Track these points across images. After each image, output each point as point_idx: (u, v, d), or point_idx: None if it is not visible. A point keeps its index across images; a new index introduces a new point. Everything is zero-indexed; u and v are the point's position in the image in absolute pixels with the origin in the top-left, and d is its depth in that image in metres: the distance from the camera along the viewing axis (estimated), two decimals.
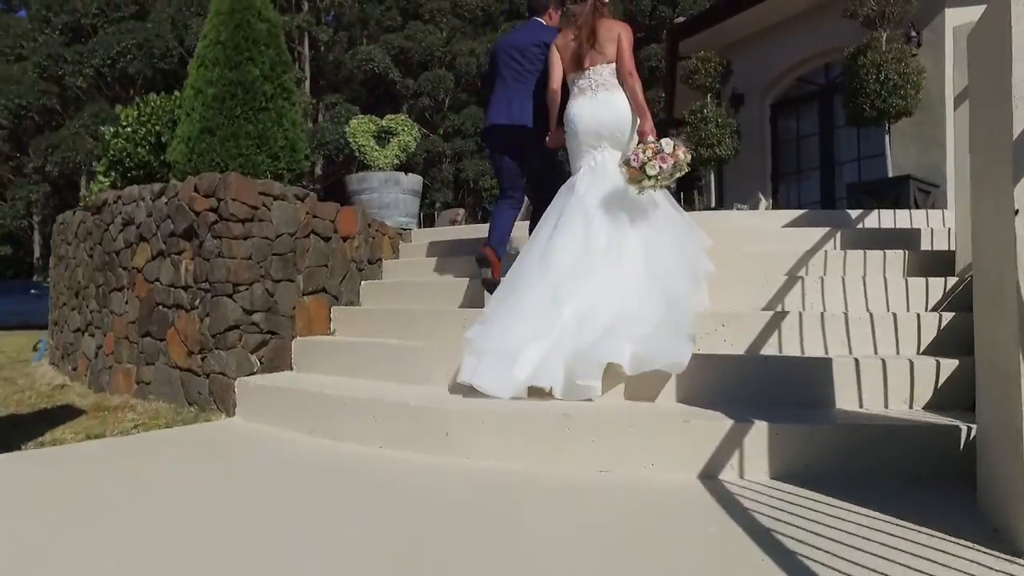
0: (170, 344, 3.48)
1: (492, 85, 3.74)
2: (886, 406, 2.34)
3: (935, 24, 6.92)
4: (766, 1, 8.01)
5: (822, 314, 2.76)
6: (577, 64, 3.18)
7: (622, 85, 3.16)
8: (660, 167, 2.80)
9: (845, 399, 2.36)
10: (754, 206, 8.97)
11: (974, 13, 1.76)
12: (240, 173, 4.33)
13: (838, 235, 3.88)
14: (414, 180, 5.73)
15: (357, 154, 5.87)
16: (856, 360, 2.36)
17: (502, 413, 2.33)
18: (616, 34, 3.14)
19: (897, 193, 6.52)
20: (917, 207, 6.50)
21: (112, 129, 4.74)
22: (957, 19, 6.82)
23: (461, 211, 10.12)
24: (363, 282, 4.30)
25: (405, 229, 5.44)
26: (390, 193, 5.48)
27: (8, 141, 26.64)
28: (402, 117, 6.00)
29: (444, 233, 5.41)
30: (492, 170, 3.81)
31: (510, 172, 3.64)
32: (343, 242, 4.09)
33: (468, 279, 3.81)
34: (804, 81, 8.63)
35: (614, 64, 3.15)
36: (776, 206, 8.97)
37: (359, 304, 4.26)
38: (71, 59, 31.01)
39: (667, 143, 2.85)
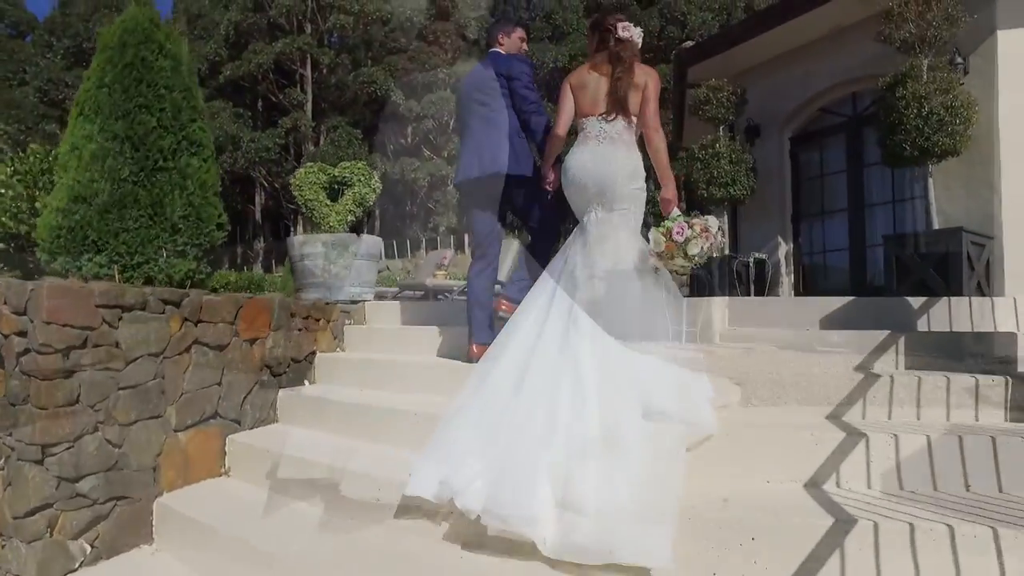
0: None
1: (463, 132, 3.35)
2: None
3: (984, 49, 5.94)
4: (784, 24, 7.10)
5: (911, 527, 1.76)
6: (594, 107, 2.80)
7: (647, 141, 2.79)
8: (702, 247, 2.49)
9: None
10: (772, 252, 8.00)
11: None
12: (124, 252, 3.43)
13: (900, 343, 2.87)
14: (371, 243, 4.78)
15: (304, 211, 4.95)
16: None
17: None
18: (643, 82, 2.78)
19: (947, 248, 5.50)
20: (971, 263, 5.51)
21: None
22: (1011, 42, 5.88)
23: (449, 253, 9.19)
24: (281, 391, 3.36)
25: (356, 302, 4.49)
26: (339, 259, 4.54)
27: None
28: (359, 164, 5.06)
29: (410, 310, 4.47)
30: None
31: (482, 228, 3.26)
32: (250, 346, 3.15)
33: (420, 393, 2.98)
34: (828, 112, 7.66)
35: (631, 119, 2.77)
36: (797, 251, 8.00)
37: (276, 420, 3.32)
38: (71, 83, 30.91)
39: (714, 221, 2.56)
